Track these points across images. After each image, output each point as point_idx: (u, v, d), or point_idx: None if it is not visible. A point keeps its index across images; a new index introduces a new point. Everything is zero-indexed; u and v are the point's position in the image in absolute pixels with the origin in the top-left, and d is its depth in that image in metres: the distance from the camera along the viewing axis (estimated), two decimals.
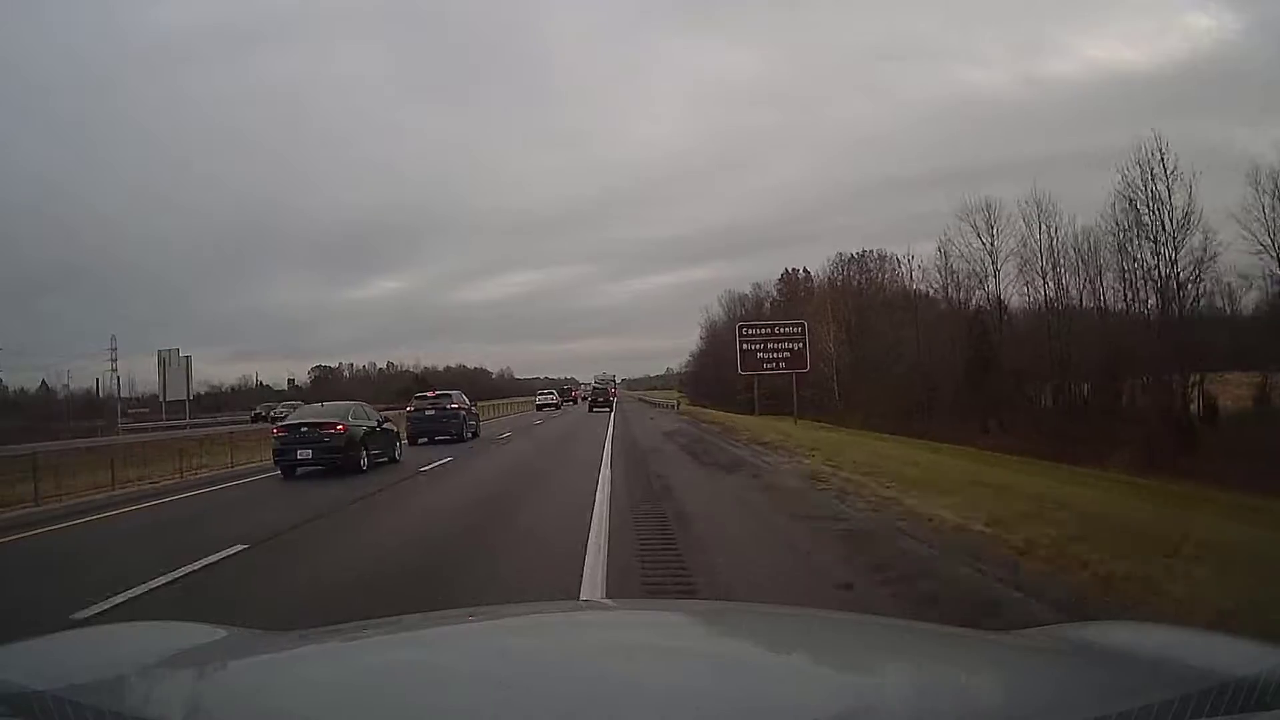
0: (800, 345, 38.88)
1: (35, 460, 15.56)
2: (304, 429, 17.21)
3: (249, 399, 79.90)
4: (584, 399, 72.25)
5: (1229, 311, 41.02)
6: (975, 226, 48.31)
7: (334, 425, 17.06)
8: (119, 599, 6.47)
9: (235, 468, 19.90)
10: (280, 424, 18.61)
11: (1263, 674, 1.25)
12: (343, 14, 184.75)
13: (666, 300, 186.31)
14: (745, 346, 39.14)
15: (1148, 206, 37.17)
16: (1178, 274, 36.41)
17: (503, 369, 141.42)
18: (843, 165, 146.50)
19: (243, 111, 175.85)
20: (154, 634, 1.96)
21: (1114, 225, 39.33)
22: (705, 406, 63.52)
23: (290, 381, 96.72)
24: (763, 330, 40.75)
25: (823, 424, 40.73)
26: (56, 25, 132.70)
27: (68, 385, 72.31)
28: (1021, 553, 6.70)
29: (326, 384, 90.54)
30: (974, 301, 50.26)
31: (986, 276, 48.68)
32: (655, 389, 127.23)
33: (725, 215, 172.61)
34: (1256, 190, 34.99)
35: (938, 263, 52.70)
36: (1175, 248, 36.71)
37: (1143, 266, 38.03)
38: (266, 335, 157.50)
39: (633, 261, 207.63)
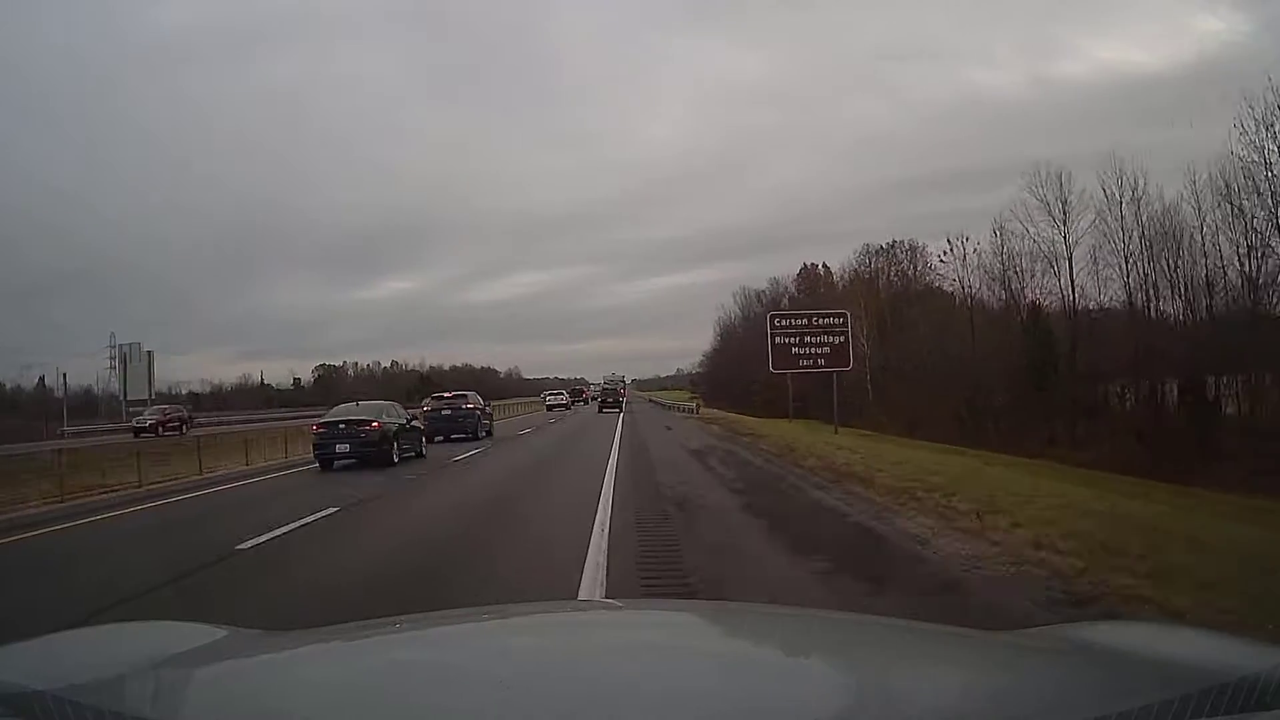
0: (842, 339, 32.44)
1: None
2: (342, 426, 18.74)
3: (250, 399, 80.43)
4: (594, 399, 72.55)
5: None
6: (1045, 202, 42.11)
7: (370, 423, 18.75)
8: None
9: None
10: (320, 421, 20.15)
11: (1263, 674, 1.23)
12: (349, 14, 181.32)
13: (675, 301, 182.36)
14: (778, 340, 32.58)
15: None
16: None
17: (510, 369, 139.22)
18: (843, 166, 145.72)
19: (248, 112, 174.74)
20: (154, 634, 1.94)
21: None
22: (722, 408, 58.00)
23: (295, 381, 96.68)
24: (798, 321, 33.96)
25: (865, 433, 34.83)
26: (56, 25, 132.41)
27: (64, 383, 67.87)
28: None
29: (330, 383, 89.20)
30: (1034, 292, 44.08)
31: (1058, 260, 42.43)
32: (665, 389, 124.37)
33: (740, 216, 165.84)
34: None
35: (994, 246, 46.53)
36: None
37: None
38: (271, 335, 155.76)
39: (641, 262, 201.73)
